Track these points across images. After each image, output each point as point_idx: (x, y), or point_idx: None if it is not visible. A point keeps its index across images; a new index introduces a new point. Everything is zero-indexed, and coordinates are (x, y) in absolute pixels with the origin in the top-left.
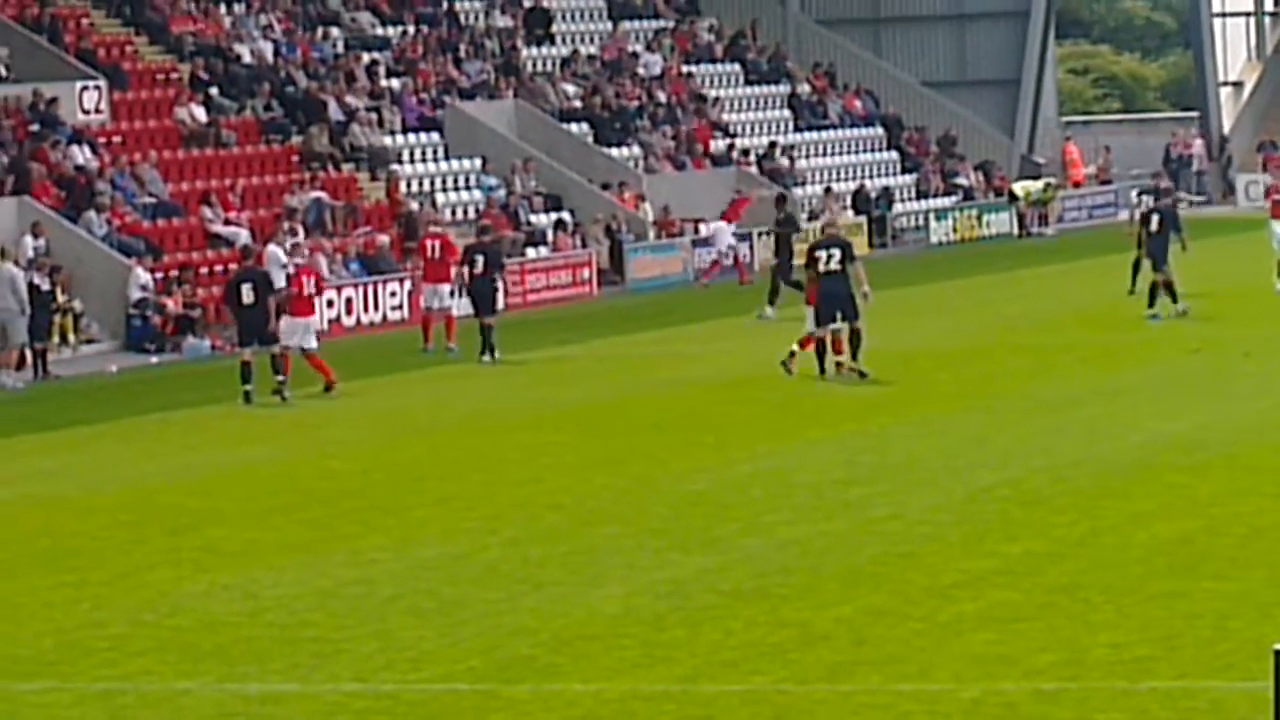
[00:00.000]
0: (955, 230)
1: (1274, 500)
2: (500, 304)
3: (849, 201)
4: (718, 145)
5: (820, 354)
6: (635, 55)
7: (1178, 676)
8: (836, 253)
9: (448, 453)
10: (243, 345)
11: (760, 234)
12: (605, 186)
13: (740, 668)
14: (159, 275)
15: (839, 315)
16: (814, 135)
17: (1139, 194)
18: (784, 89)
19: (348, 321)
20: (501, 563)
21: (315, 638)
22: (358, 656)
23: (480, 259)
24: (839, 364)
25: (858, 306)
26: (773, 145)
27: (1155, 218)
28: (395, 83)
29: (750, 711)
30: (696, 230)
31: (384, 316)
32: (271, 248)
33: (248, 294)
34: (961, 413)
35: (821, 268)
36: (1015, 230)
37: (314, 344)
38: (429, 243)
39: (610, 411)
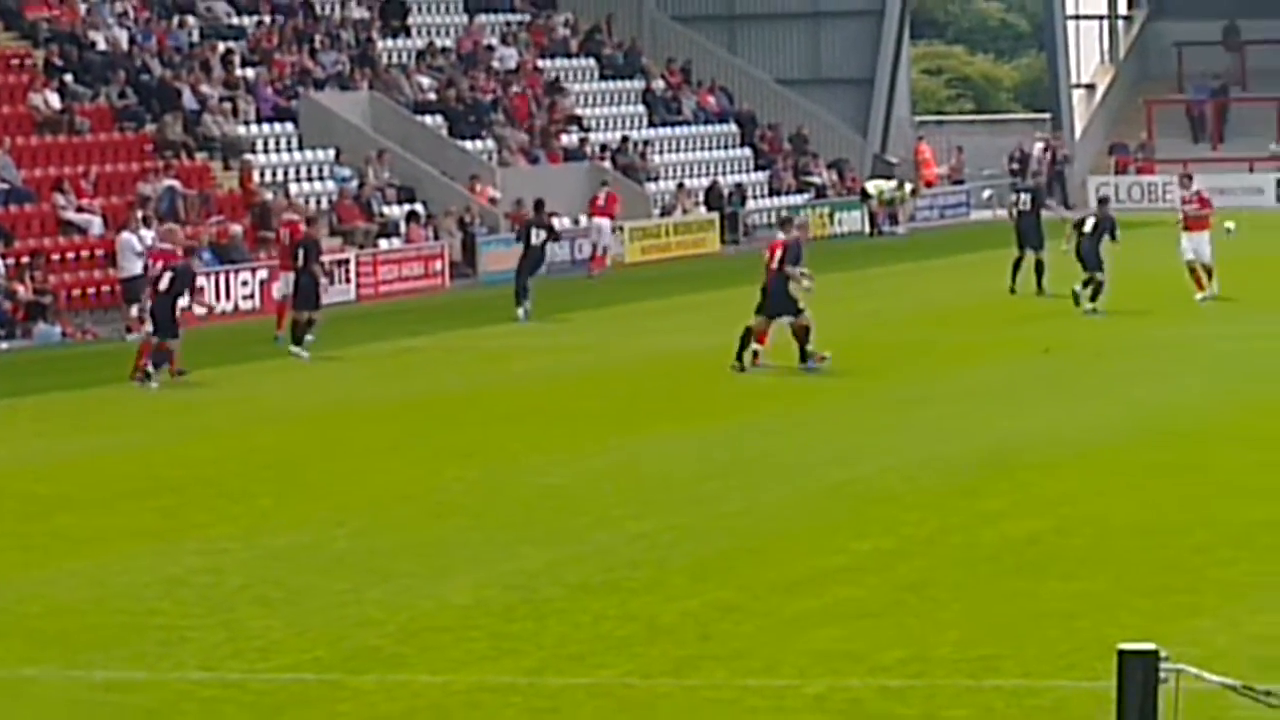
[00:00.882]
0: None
1: (1123, 500)
2: (316, 299)
3: (702, 198)
4: (571, 140)
5: (743, 344)
6: (490, 48)
7: (1023, 675)
8: (780, 252)
9: (298, 442)
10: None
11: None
12: (451, 178)
13: (587, 661)
14: (10, 261)
15: (776, 313)
16: (668, 131)
17: (1016, 192)
18: (638, 84)
19: (199, 310)
20: (349, 553)
21: (162, 625)
22: (205, 645)
23: (301, 252)
24: (756, 354)
25: (796, 302)
26: (625, 140)
27: (1090, 221)
28: (250, 72)
29: (596, 705)
30: (576, 223)
31: (236, 306)
32: (125, 235)
33: (164, 282)
34: (814, 410)
35: (772, 264)
36: (867, 229)
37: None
38: (282, 231)
39: (461, 404)
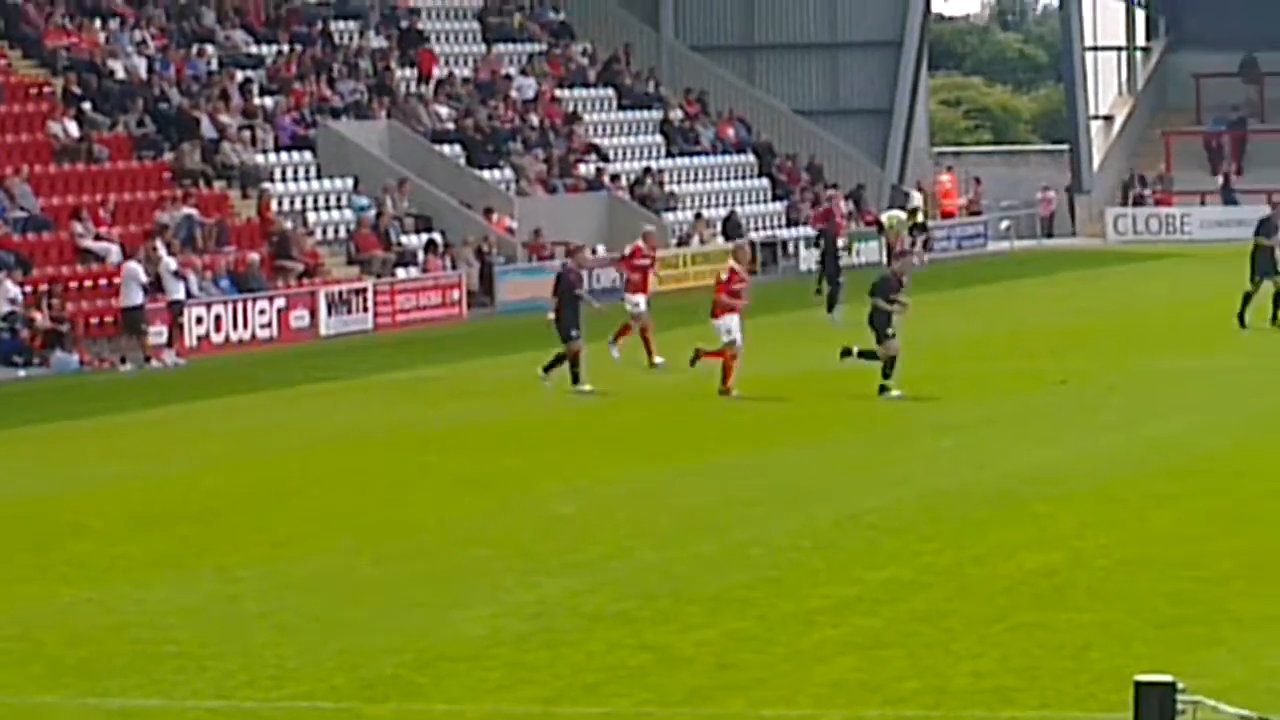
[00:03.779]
0: None
1: (1137, 533)
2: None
3: (720, 228)
4: (589, 169)
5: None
6: (509, 78)
7: (1038, 706)
8: None
9: (316, 471)
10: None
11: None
12: (469, 206)
13: (602, 690)
14: (28, 289)
15: None
16: (686, 161)
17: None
18: (656, 114)
19: (216, 339)
20: (366, 582)
21: (178, 654)
22: (220, 673)
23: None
24: None
25: None
26: (646, 171)
27: None
28: (268, 101)
29: None
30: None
31: (253, 334)
32: (131, 264)
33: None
34: (831, 441)
35: None
36: (884, 259)
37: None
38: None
39: (479, 433)
